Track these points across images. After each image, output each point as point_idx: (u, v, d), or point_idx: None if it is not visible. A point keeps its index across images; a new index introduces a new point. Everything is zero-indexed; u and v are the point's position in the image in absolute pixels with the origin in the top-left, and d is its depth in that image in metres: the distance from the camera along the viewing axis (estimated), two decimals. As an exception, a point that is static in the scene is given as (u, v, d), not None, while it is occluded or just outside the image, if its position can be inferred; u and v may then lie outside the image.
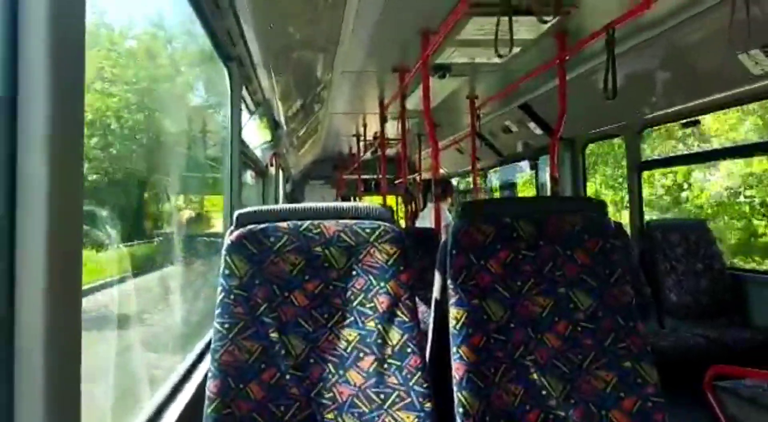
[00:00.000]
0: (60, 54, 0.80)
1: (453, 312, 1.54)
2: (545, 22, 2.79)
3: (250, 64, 3.15)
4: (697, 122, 3.98)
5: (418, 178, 8.54)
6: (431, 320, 1.74)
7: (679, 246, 4.02)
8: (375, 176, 9.42)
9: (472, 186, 7.32)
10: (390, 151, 6.98)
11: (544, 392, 1.51)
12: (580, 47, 3.44)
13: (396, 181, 8.21)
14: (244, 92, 3.26)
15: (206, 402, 1.40)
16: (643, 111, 4.11)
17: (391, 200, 8.52)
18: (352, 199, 9.77)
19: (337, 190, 10.15)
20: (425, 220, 5.46)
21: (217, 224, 3.21)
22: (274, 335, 1.45)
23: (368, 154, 7.78)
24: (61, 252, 0.82)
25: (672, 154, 8.61)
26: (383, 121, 5.53)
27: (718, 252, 4.08)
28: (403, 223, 9.15)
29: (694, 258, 4.00)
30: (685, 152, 9.03)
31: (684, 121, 3.98)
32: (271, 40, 3.02)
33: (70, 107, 0.84)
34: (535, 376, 1.52)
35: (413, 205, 9.31)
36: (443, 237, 1.69)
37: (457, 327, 1.52)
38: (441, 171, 4.53)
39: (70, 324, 0.85)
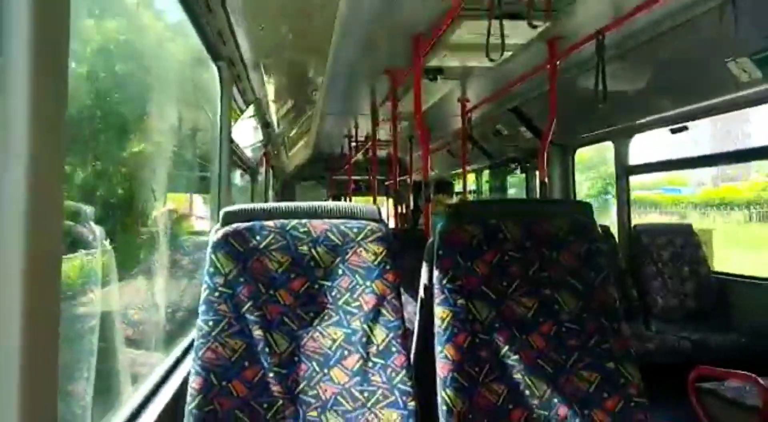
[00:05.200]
0: (42, 47, 0.71)
1: (438, 311, 1.55)
2: (536, 26, 2.81)
3: (241, 63, 3.15)
4: (685, 128, 4.02)
5: (408, 180, 8.54)
6: (417, 319, 1.75)
7: (666, 250, 4.07)
8: (366, 177, 9.43)
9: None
10: (381, 152, 6.99)
11: (527, 392, 1.52)
12: (571, 52, 3.47)
13: (387, 183, 8.21)
14: (235, 91, 3.25)
15: (188, 398, 1.40)
16: (633, 116, 4.15)
17: (383, 201, 8.53)
18: (343, 199, 9.75)
19: (328, 190, 10.13)
20: None
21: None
22: (258, 333, 1.45)
23: (360, 155, 7.79)
24: (39, 255, 0.72)
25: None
26: (375, 122, 5.53)
27: (703, 256, 4.13)
28: (392, 224, 9.15)
29: (680, 262, 4.06)
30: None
31: (673, 126, 4.02)
32: (262, 41, 3.01)
33: (52, 103, 0.74)
34: (519, 376, 1.53)
35: (403, 206, 9.31)
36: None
37: (443, 326, 1.53)
38: (431, 173, 4.55)
39: (48, 336, 0.74)
